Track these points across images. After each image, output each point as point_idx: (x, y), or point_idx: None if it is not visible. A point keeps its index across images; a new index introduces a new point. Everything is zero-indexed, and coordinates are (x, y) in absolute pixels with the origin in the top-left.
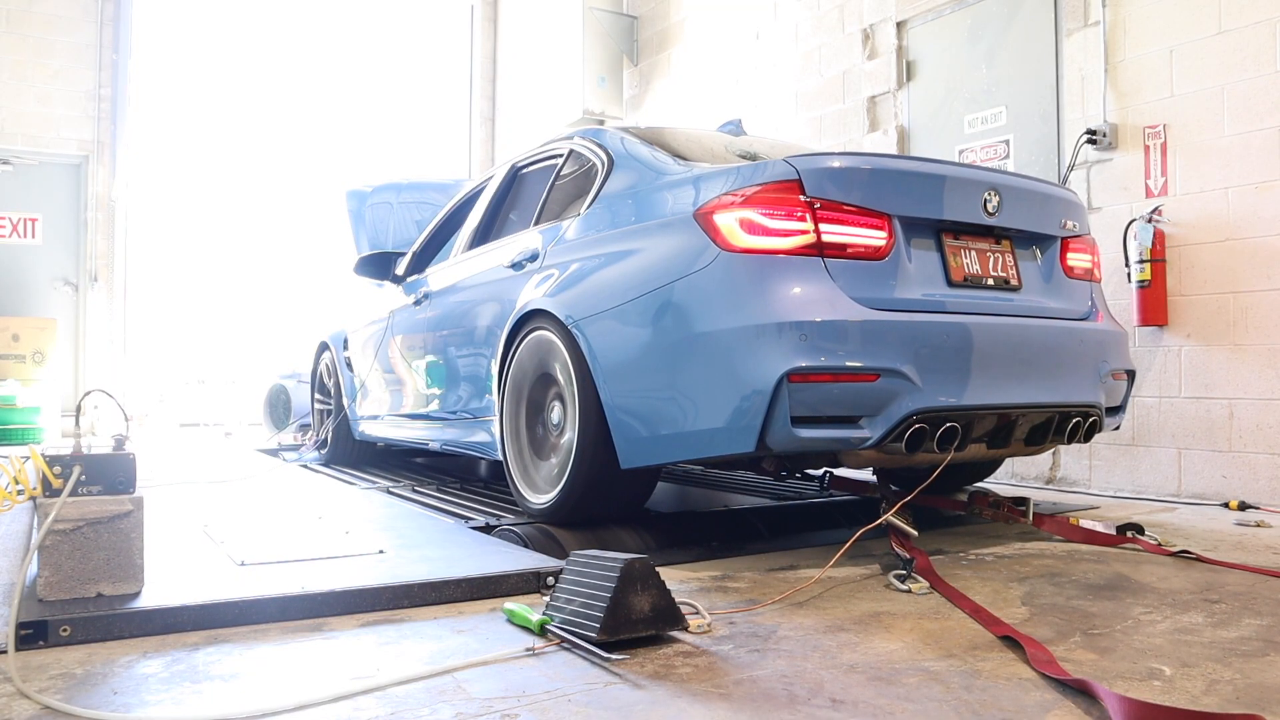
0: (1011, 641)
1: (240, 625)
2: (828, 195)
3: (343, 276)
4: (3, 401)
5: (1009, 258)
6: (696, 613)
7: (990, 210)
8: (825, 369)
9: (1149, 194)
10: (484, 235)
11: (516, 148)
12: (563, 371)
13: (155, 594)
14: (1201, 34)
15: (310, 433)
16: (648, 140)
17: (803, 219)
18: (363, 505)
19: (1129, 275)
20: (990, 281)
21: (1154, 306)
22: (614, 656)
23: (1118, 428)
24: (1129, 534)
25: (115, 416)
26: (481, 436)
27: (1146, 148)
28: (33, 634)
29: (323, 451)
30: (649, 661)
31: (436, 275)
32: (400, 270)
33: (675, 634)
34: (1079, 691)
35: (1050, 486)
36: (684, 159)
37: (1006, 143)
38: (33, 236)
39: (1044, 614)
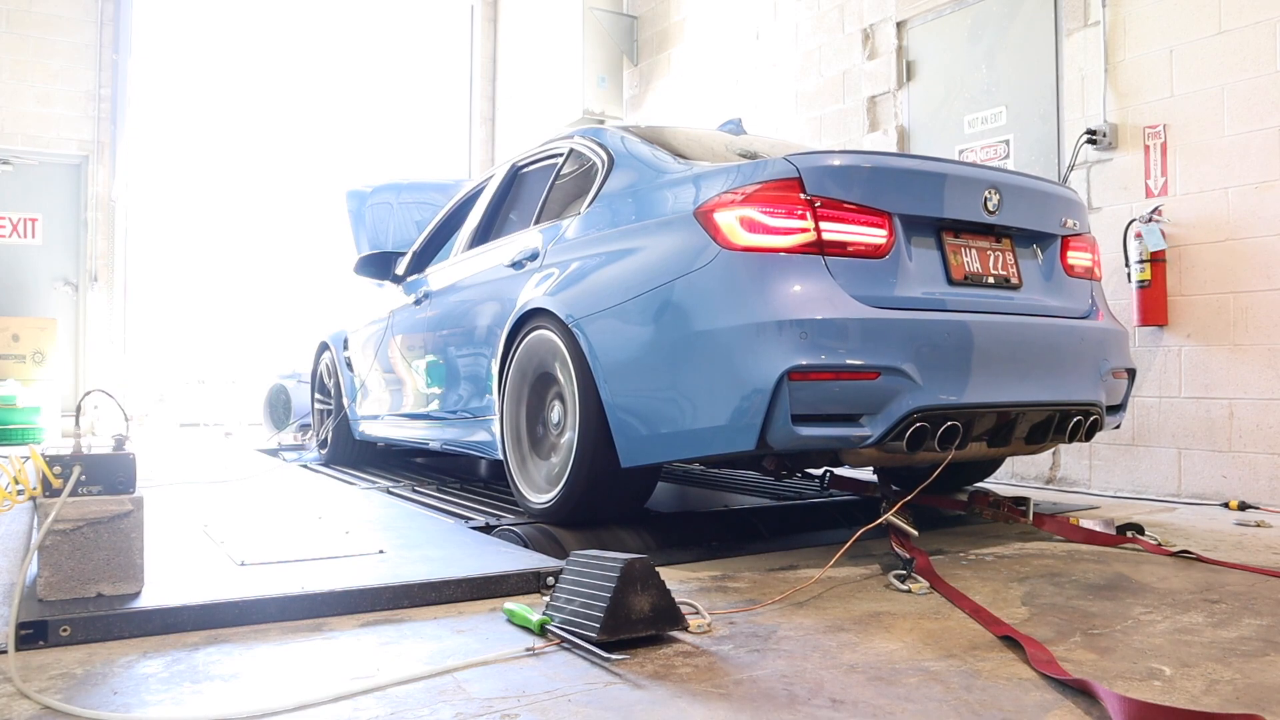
0: (1011, 641)
1: (240, 625)
2: (828, 193)
3: (343, 276)
4: (3, 402)
5: (1009, 256)
6: (696, 613)
7: (991, 209)
8: (826, 367)
9: (1149, 194)
10: (484, 235)
11: (516, 148)
12: (563, 370)
13: (155, 594)
14: (1201, 34)
15: (310, 433)
16: (648, 139)
17: (803, 217)
18: (363, 505)
19: (1129, 275)
20: (991, 280)
21: (1154, 306)
22: (614, 656)
23: (1118, 427)
24: (1129, 534)
25: (115, 416)
26: (482, 436)
27: (1146, 148)
28: (33, 634)
29: (323, 451)
30: (649, 661)
31: (437, 275)
32: (400, 270)
33: (675, 634)
34: (1079, 691)
35: (1050, 486)
36: (684, 158)
37: (1006, 143)
38: (33, 236)
39: (1044, 614)
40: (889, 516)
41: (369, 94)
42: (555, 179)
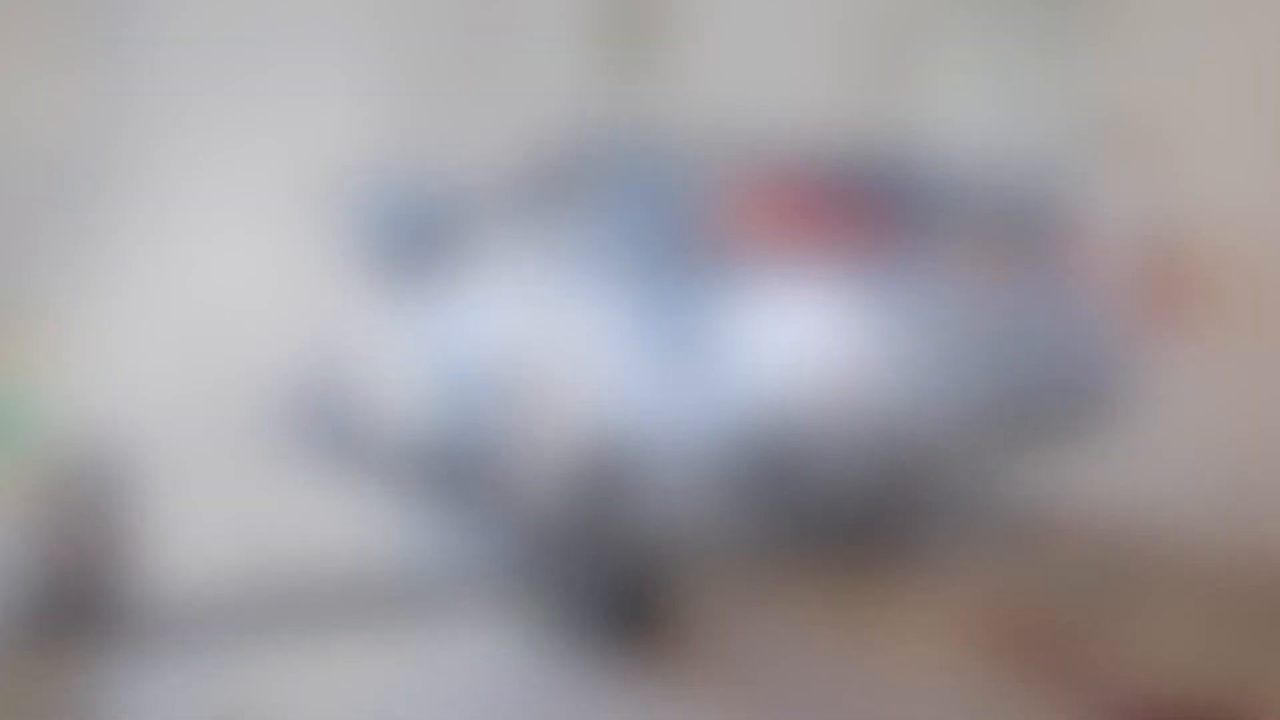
0: (1011, 642)
1: (244, 625)
2: (825, 192)
3: (342, 277)
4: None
5: (1008, 255)
6: (696, 613)
7: (989, 209)
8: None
9: (1150, 194)
10: (484, 234)
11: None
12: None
13: (157, 594)
14: (1210, 30)
15: None
16: (646, 136)
17: (801, 216)
18: (364, 504)
19: (1128, 275)
20: (988, 279)
21: (1154, 307)
22: (615, 657)
23: (1118, 427)
24: (1128, 536)
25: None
26: (482, 434)
27: (1148, 147)
28: (34, 634)
29: None
30: (650, 661)
31: (437, 274)
32: (401, 270)
33: (676, 634)
34: (1079, 693)
35: (1049, 487)
36: (681, 155)
37: (1004, 142)
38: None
39: (1042, 615)
40: (888, 516)
41: None
42: (553, 176)
